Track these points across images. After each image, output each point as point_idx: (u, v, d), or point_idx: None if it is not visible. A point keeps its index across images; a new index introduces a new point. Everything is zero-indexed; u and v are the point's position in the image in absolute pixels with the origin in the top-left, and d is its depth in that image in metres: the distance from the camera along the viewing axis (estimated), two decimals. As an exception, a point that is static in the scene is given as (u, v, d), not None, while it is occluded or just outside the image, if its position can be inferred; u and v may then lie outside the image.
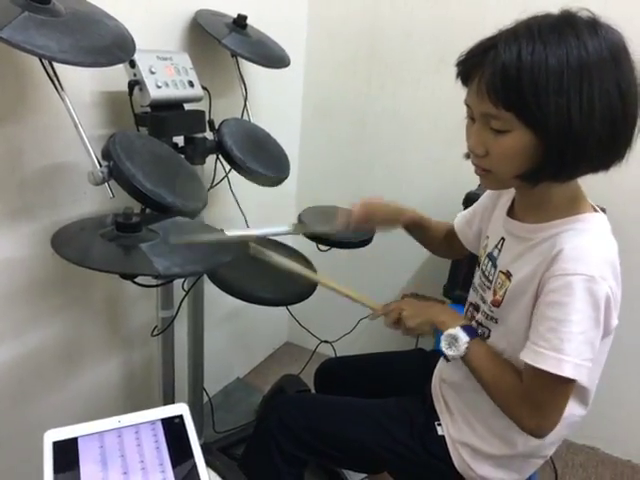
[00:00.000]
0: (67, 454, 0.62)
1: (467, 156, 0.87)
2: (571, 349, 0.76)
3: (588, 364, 0.77)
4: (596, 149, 0.74)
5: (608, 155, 0.77)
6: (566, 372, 0.76)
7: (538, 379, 0.80)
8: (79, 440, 0.64)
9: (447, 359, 0.90)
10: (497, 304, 0.91)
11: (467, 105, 0.82)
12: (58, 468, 0.60)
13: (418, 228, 1.20)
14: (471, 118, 0.83)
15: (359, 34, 1.82)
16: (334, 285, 1.11)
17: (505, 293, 0.89)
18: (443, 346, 0.90)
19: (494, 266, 0.95)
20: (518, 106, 0.73)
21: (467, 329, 0.90)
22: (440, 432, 1.02)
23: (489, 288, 0.95)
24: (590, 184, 0.84)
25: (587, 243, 0.79)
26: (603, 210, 0.88)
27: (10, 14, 0.83)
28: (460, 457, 0.98)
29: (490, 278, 0.96)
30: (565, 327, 0.76)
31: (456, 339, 0.88)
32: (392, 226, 1.19)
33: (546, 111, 0.71)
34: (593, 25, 0.73)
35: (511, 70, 0.71)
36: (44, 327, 1.21)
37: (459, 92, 0.84)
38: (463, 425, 0.99)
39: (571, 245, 0.78)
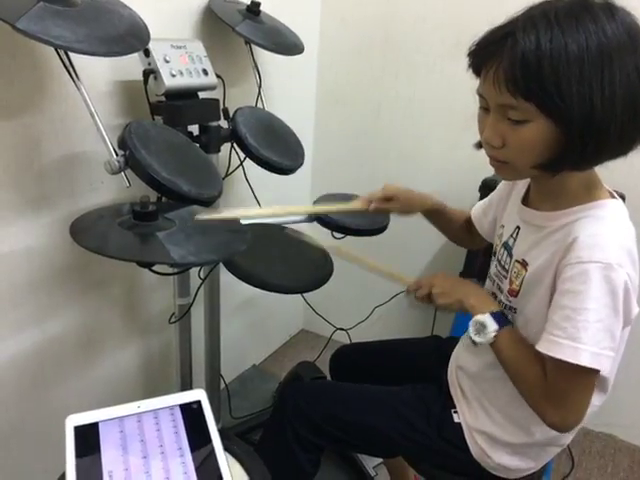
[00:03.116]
0: (88, 439, 0.63)
1: (478, 146, 0.86)
2: (588, 337, 0.74)
3: (608, 353, 0.75)
4: (618, 135, 0.73)
5: (629, 141, 0.76)
6: (583, 361, 0.74)
7: (559, 371, 0.79)
8: (100, 425, 0.65)
9: (475, 343, 0.89)
10: (514, 294, 0.90)
11: (480, 95, 0.80)
12: (79, 452, 0.62)
13: (439, 216, 1.19)
14: (485, 109, 0.81)
15: (373, 19, 1.80)
16: (363, 258, 1.09)
17: (522, 283, 0.88)
18: (471, 331, 0.88)
19: (510, 255, 0.94)
20: (539, 96, 0.71)
21: (497, 316, 0.87)
22: (456, 419, 1.02)
23: (505, 277, 0.94)
24: (610, 170, 0.82)
25: (603, 230, 0.77)
26: (622, 197, 0.87)
27: (25, 4, 0.84)
28: (476, 444, 0.98)
29: (506, 267, 0.95)
30: (581, 315, 0.75)
31: (484, 326, 0.86)
32: (413, 211, 1.18)
33: (568, 100, 0.69)
34: (609, 8, 0.71)
35: (531, 59, 0.69)
36: (64, 314, 1.23)
37: (475, 77, 0.82)
38: (480, 412, 0.99)
39: (587, 232, 0.77)
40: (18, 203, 1.06)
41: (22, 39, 0.82)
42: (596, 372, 0.77)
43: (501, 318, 0.88)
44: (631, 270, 0.76)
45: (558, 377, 0.79)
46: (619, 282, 0.74)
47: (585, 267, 0.75)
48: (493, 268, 1.00)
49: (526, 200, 0.94)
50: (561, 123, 0.72)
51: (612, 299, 0.75)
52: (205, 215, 0.98)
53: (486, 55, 0.76)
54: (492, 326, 0.86)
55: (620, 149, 0.77)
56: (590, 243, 0.76)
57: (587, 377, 0.78)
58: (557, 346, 0.77)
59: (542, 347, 0.79)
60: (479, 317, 0.88)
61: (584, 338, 0.75)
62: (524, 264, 0.88)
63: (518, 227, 0.94)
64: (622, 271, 0.74)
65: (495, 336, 0.86)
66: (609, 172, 0.83)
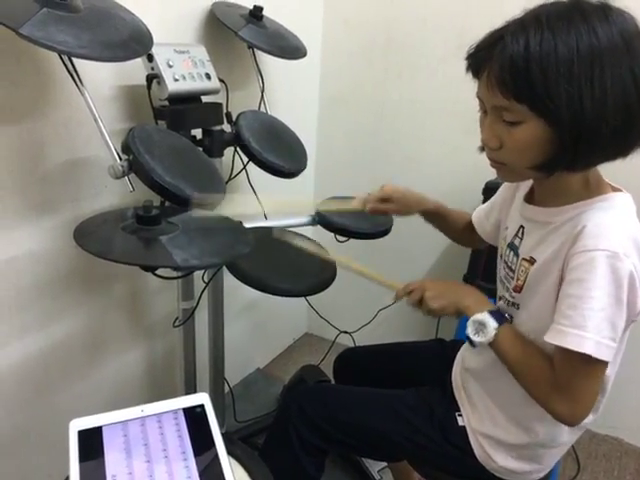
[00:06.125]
0: (92, 443, 0.63)
1: (482, 149, 0.86)
2: (593, 326, 0.74)
3: (609, 343, 0.75)
4: (610, 137, 0.72)
5: (624, 142, 0.76)
6: (587, 349, 0.74)
7: (565, 361, 0.78)
8: (103, 429, 0.65)
9: (473, 345, 0.88)
10: (518, 289, 0.90)
11: (479, 98, 0.81)
12: (83, 456, 0.62)
13: (437, 217, 1.19)
14: (484, 111, 0.82)
15: (375, 22, 1.80)
16: (351, 264, 1.10)
17: (526, 277, 0.88)
18: (470, 332, 0.87)
19: (516, 255, 0.94)
20: (529, 98, 0.72)
21: (495, 314, 0.87)
22: (461, 422, 1.01)
23: (512, 278, 0.94)
24: (610, 168, 0.82)
25: (610, 220, 0.77)
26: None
27: (29, 11, 0.84)
28: (481, 447, 0.98)
29: (513, 268, 0.94)
30: (586, 304, 0.75)
31: (484, 325, 0.86)
32: (410, 212, 1.18)
33: (557, 101, 0.70)
34: (603, 10, 0.71)
35: (519, 62, 0.70)
36: (68, 319, 1.24)
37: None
38: (484, 415, 0.99)
39: (594, 222, 0.77)
40: (22, 208, 1.07)
41: (26, 45, 0.83)
42: (602, 362, 0.76)
43: (499, 316, 0.88)
44: (637, 261, 0.76)
45: (565, 367, 0.79)
46: (624, 272, 0.74)
47: (591, 255, 0.75)
48: (501, 271, 1.00)
49: (530, 199, 0.94)
50: (552, 123, 0.73)
51: (616, 288, 0.74)
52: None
53: (480, 59, 0.77)
54: (492, 324, 0.86)
55: (615, 151, 0.77)
56: (597, 232, 0.76)
57: (593, 366, 0.77)
58: (562, 335, 0.76)
59: (549, 337, 0.79)
60: (478, 316, 0.87)
61: (589, 326, 0.74)
62: (531, 261, 0.88)
63: (522, 226, 0.94)
64: (628, 261, 0.74)
65: (496, 334, 0.86)
66: (609, 170, 0.83)
